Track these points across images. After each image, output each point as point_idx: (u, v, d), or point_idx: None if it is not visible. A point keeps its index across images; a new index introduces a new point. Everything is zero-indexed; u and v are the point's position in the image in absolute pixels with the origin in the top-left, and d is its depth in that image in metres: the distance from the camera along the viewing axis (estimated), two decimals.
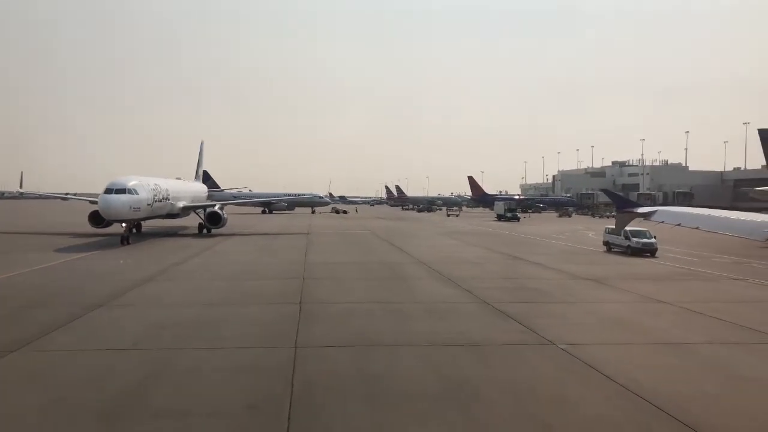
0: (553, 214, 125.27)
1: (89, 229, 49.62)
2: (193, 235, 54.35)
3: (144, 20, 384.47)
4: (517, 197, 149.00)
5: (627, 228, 40.06)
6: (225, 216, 56.45)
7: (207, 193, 73.59)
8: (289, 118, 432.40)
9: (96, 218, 47.96)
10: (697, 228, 17.56)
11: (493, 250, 44.16)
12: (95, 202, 53.44)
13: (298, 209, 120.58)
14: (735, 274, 31.86)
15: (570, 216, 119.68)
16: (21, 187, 62.65)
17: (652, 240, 39.63)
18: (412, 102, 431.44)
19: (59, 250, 38.12)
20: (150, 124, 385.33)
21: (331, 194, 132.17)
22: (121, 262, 33.47)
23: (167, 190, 52.64)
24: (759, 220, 16.34)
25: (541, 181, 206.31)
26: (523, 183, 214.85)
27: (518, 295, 24.15)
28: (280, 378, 12.76)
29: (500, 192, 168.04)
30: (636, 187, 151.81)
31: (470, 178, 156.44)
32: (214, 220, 55.42)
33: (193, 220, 60.73)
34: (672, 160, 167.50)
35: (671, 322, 19.66)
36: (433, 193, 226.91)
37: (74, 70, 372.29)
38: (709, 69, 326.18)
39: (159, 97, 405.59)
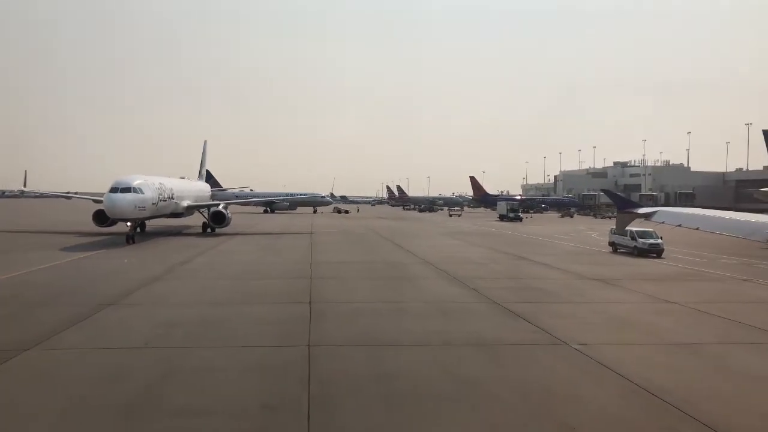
0: (555, 215, 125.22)
1: (93, 228, 49.64)
2: (197, 234, 54.33)
3: (144, 20, 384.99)
4: (518, 197, 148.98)
5: (633, 229, 40.03)
6: (229, 215, 56.45)
7: (210, 193, 73.57)
8: (290, 117, 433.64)
9: (100, 217, 47.97)
10: (697, 228, 17.53)
11: (497, 250, 44.13)
12: (99, 201, 53.50)
13: (299, 209, 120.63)
14: (741, 275, 31.86)
15: (572, 216, 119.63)
16: (25, 185, 62.66)
17: (659, 241, 39.59)
18: (413, 102, 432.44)
19: (65, 249, 38.10)
20: (150, 123, 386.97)
21: (332, 194, 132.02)
22: (127, 261, 33.45)
23: (172, 189, 52.62)
24: (760, 220, 16.31)
25: (542, 182, 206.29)
26: (525, 183, 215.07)
27: (526, 295, 24.12)
28: (296, 377, 12.76)
29: (501, 192, 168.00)
30: (638, 187, 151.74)
31: (472, 179, 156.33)
32: (218, 219, 55.43)
33: (196, 219, 60.71)
34: (674, 161, 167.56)
35: (682, 323, 19.66)
36: (433, 193, 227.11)
37: (74, 70, 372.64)
38: (711, 69, 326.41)
39: (159, 96, 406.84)
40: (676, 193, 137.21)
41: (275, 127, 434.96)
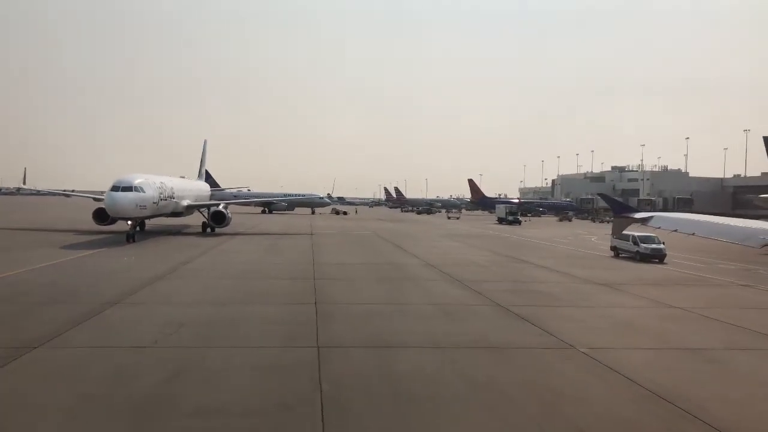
0: (553, 219, 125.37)
1: (91, 226, 49.51)
2: (197, 234, 54.24)
3: (145, 20, 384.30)
4: (516, 201, 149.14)
5: (635, 233, 40.15)
6: (229, 215, 56.41)
7: (210, 192, 73.48)
8: (288, 118, 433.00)
9: (101, 215, 47.83)
10: (693, 234, 17.65)
11: (498, 253, 44.18)
12: (99, 200, 53.44)
13: (297, 209, 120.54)
14: (742, 281, 31.96)
15: (570, 220, 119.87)
16: (24, 183, 62.61)
17: (661, 246, 39.66)
18: (412, 103, 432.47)
19: (66, 247, 37.98)
20: (148, 122, 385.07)
21: (329, 195, 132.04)
22: (128, 259, 33.37)
23: (172, 188, 52.53)
24: (755, 227, 16.43)
25: (540, 185, 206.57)
26: (523, 186, 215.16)
27: (531, 299, 24.15)
28: (307, 377, 12.77)
29: (499, 195, 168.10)
30: (636, 192, 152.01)
31: (470, 181, 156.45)
32: (218, 219, 55.38)
33: (195, 219, 60.62)
34: (672, 166, 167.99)
35: (686, 328, 19.73)
36: (431, 195, 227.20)
37: (74, 69, 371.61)
38: (710, 74, 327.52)
39: (159, 95, 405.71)
40: (674, 198, 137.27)
41: (274, 127, 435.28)
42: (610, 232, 41.75)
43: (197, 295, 23.02)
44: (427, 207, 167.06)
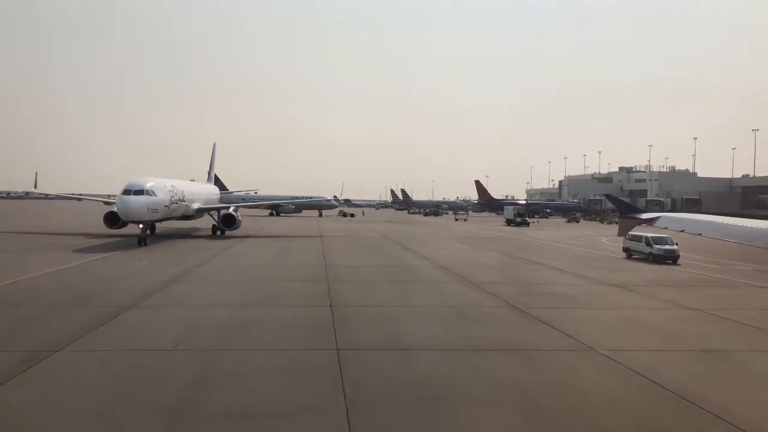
0: (561, 220, 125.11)
1: (102, 230, 49.81)
2: (207, 237, 54.43)
3: (148, 22, 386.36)
4: (523, 202, 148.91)
5: (648, 235, 39.92)
6: (239, 218, 56.63)
7: (219, 195, 73.74)
8: (291, 120, 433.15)
9: (111, 219, 48.13)
10: (700, 234, 17.52)
11: (510, 255, 44.08)
12: (109, 203, 53.76)
13: (305, 212, 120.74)
14: (757, 282, 31.77)
15: (578, 221, 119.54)
16: (35, 187, 62.95)
17: (674, 247, 39.44)
18: (417, 104, 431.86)
19: (78, 251, 38.18)
20: (151, 125, 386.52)
21: (335, 197, 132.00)
22: (140, 263, 33.48)
23: (183, 191, 52.73)
24: (764, 227, 16.23)
25: (547, 186, 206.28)
26: (529, 188, 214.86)
27: (546, 301, 24.06)
28: (330, 380, 12.74)
29: (506, 197, 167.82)
30: (643, 193, 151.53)
31: (477, 183, 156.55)
32: (228, 222, 55.64)
33: (204, 222, 60.83)
34: (679, 167, 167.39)
35: (705, 329, 19.58)
36: (437, 197, 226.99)
37: (80, 73, 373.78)
38: (717, 74, 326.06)
39: (164, 98, 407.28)
40: (682, 198, 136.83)
41: (276, 129, 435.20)
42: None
43: (213, 297, 23.06)
44: (434, 209, 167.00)
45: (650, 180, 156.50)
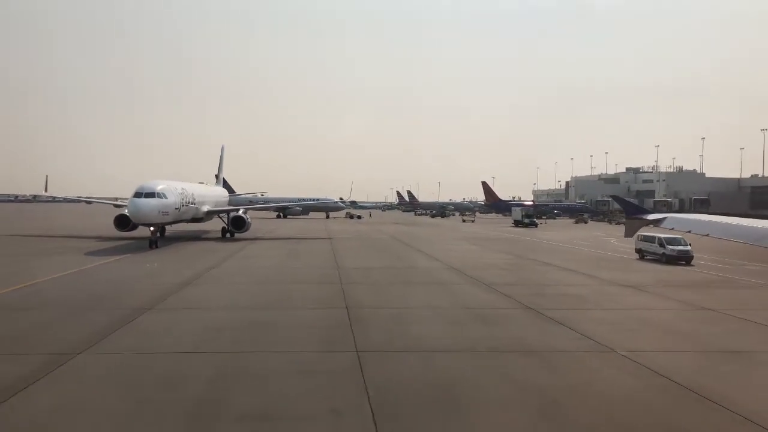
0: (569, 221, 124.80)
1: (112, 233, 50.05)
2: (217, 239, 54.58)
3: (149, 20, 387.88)
4: (530, 203, 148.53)
5: (662, 235, 39.73)
6: (249, 221, 56.75)
7: (228, 198, 73.92)
8: (302, 120, 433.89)
9: (122, 221, 48.38)
10: (707, 235, 17.43)
11: (520, 256, 43.98)
12: (119, 206, 53.99)
13: (312, 213, 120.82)
14: None
15: (586, 222, 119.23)
16: (46, 190, 63.22)
17: (688, 248, 39.26)
18: (417, 104, 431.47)
19: (90, 254, 38.34)
20: (155, 127, 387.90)
21: (341, 198, 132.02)
22: (153, 265, 33.60)
23: (193, 194, 52.89)
24: None
25: (553, 187, 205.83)
26: (536, 189, 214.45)
27: (561, 302, 23.99)
28: (352, 382, 12.75)
29: (513, 198, 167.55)
30: (651, 193, 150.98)
31: (484, 184, 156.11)
32: (238, 224, 55.81)
33: (213, 224, 60.99)
34: (687, 167, 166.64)
35: (723, 329, 19.50)
36: (444, 199, 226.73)
37: (80, 72, 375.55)
38: (725, 74, 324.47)
39: (162, 98, 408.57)
40: (690, 199, 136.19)
41: (282, 128, 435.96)
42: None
43: (228, 300, 23.10)
44: (441, 210, 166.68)
45: (658, 180, 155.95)
